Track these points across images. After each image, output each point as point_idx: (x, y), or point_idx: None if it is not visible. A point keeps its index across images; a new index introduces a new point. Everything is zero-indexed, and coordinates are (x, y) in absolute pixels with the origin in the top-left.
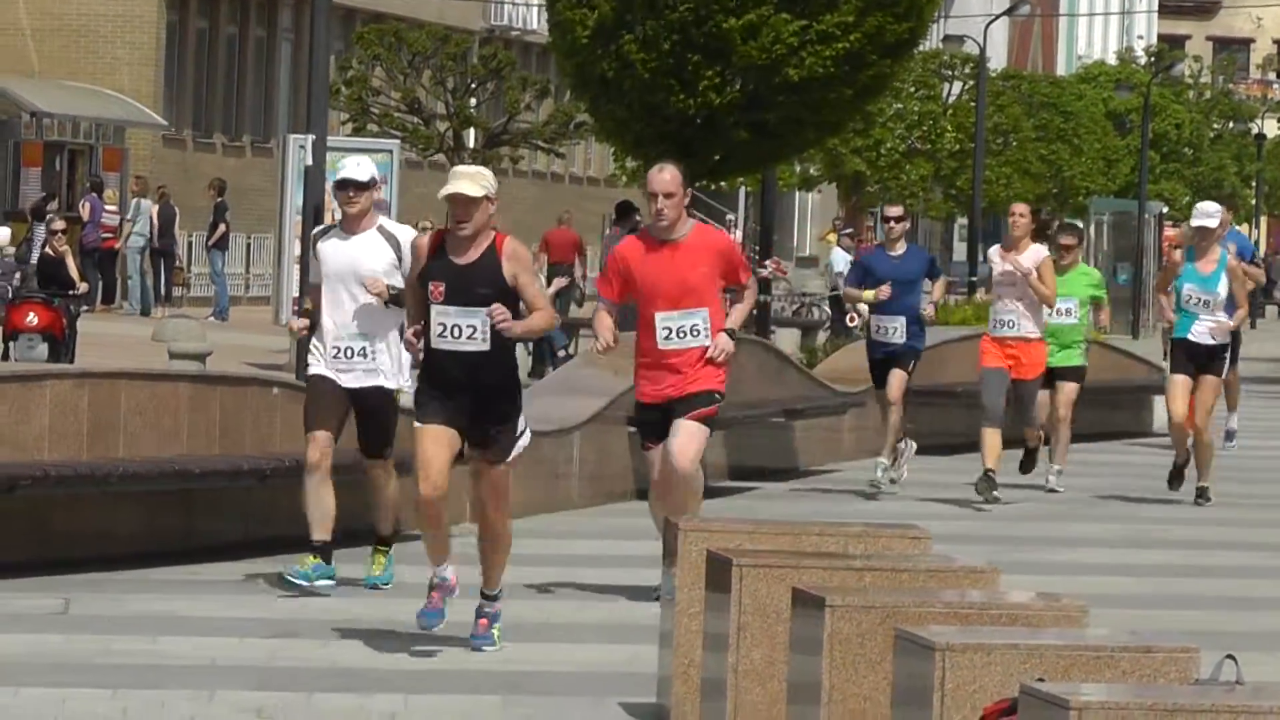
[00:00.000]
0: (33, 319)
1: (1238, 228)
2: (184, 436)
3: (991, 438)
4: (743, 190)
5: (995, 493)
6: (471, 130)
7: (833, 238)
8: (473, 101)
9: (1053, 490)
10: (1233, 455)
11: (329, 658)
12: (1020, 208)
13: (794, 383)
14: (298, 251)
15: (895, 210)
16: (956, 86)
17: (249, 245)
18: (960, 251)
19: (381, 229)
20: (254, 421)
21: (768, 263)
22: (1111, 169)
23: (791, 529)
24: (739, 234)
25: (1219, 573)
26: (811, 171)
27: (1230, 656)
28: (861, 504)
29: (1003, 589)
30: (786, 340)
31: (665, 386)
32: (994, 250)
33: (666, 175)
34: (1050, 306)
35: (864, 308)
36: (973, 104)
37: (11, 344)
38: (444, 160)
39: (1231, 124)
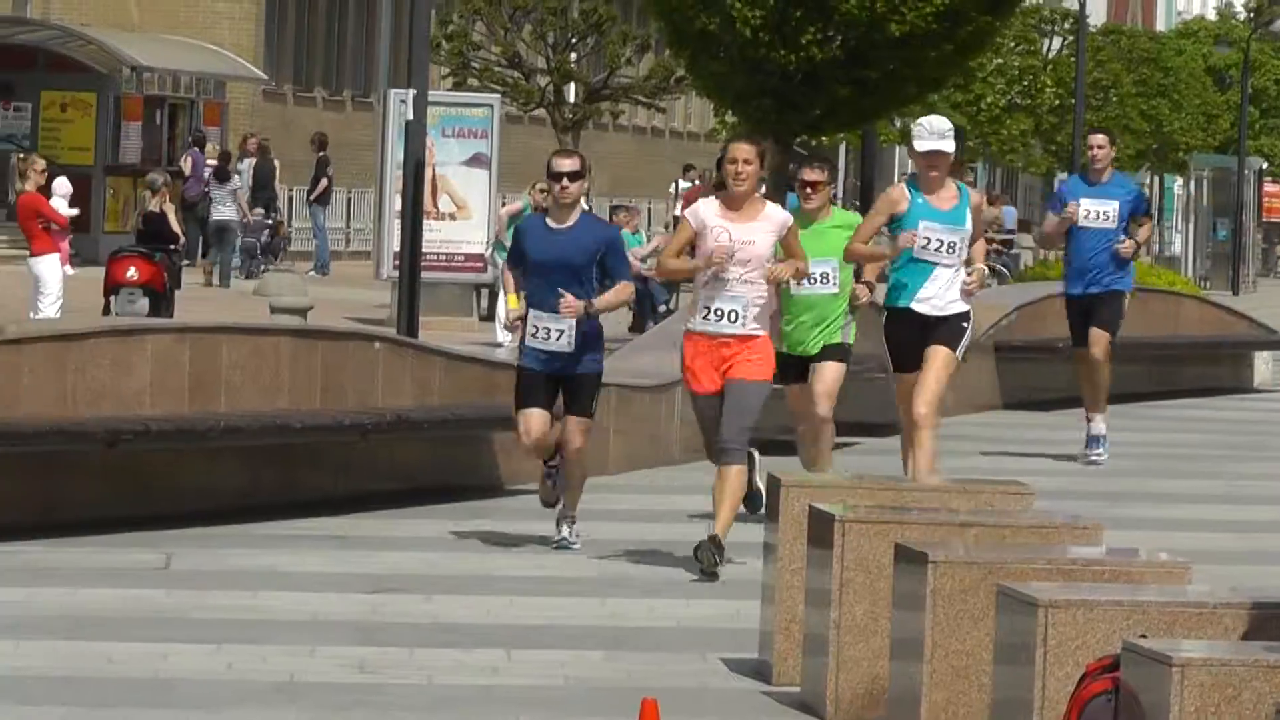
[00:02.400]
0: (133, 273)
1: None
2: (285, 391)
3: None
4: (843, 146)
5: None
6: (572, 85)
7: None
8: (573, 56)
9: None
10: None
11: (431, 613)
12: (1099, 138)
13: None
14: (398, 206)
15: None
16: (1056, 42)
17: (349, 200)
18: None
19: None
20: (355, 376)
21: None
22: (1211, 125)
23: (894, 485)
24: (840, 190)
25: None
26: (912, 126)
27: None
28: (962, 460)
29: (1105, 545)
30: None
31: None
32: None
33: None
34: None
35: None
36: (1072, 59)
37: (113, 298)
38: (544, 115)
39: None
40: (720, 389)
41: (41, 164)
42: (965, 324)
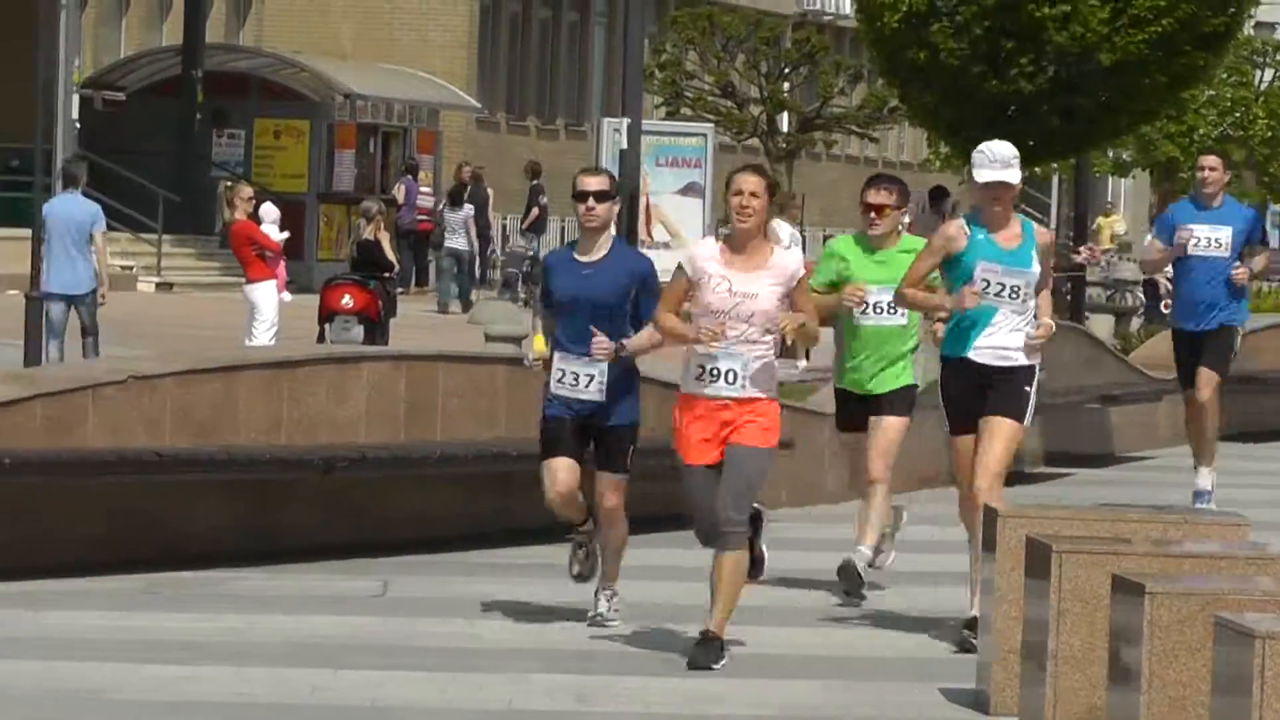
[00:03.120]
0: (348, 301)
1: None
2: (501, 419)
3: None
4: (1056, 177)
5: None
6: (785, 114)
7: (1108, 221)
8: (786, 86)
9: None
10: None
11: (649, 641)
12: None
13: (1109, 369)
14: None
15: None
16: (1269, 74)
17: (563, 228)
18: (1275, 239)
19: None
20: None
21: (1082, 249)
22: None
23: (1110, 515)
24: (1052, 221)
25: None
26: (1124, 157)
27: None
28: (1178, 491)
29: None
30: (1101, 326)
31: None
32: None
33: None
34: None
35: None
36: None
37: (327, 326)
38: (757, 145)
39: None
40: (716, 461)
41: (248, 192)
42: (1029, 386)
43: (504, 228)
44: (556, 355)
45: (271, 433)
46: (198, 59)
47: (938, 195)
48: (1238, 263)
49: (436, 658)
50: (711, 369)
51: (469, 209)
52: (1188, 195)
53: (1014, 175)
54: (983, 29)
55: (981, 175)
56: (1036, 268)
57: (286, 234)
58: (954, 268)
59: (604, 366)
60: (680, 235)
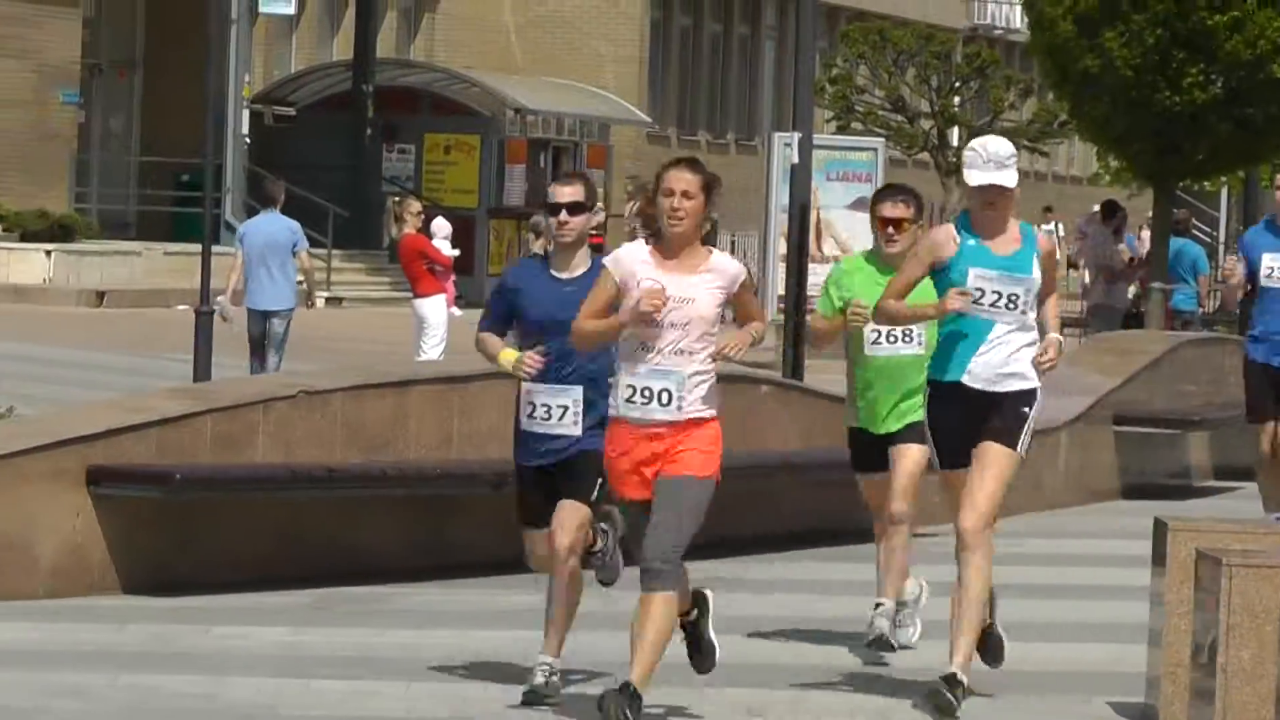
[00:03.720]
0: None
1: None
2: None
3: None
4: (1224, 190)
5: None
6: (955, 128)
7: None
8: (956, 100)
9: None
10: None
11: (822, 655)
12: None
13: None
14: (783, 249)
15: None
16: None
17: (733, 242)
18: None
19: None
20: (741, 418)
21: (1228, 259)
22: None
23: None
24: (1221, 234)
25: None
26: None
27: None
28: None
29: None
30: None
31: None
32: None
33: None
34: None
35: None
36: None
37: None
38: (927, 159)
39: None
40: (649, 497)
41: (417, 206)
42: (1028, 407)
43: None
44: (525, 387)
45: (442, 448)
46: (368, 74)
47: (1110, 210)
48: None
49: (607, 671)
50: (643, 389)
51: None
52: (1269, 220)
53: (1010, 177)
54: (1155, 37)
55: (974, 177)
56: (1038, 275)
57: (457, 251)
58: (943, 278)
59: (579, 394)
60: (851, 251)
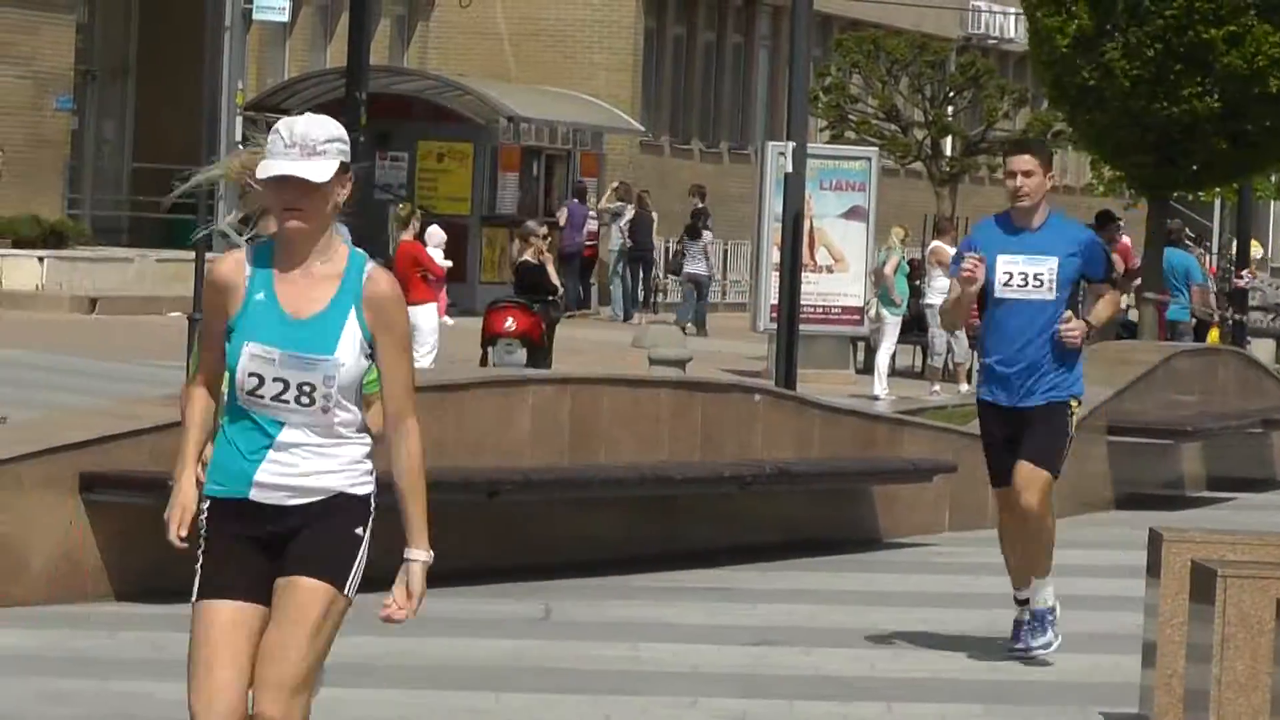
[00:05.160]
0: (511, 324)
1: None
2: (665, 443)
3: None
4: (1218, 201)
5: None
6: (949, 138)
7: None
8: (950, 109)
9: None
10: None
11: (812, 665)
12: None
13: (1272, 393)
14: (776, 258)
15: None
16: None
17: (725, 251)
18: None
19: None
20: (735, 428)
21: (1244, 273)
22: None
23: (1275, 540)
24: (1214, 245)
25: None
26: None
27: None
28: None
29: None
30: (1263, 350)
31: None
32: None
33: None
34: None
35: None
36: None
37: (490, 348)
38: (921, 168)
39: None
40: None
41: (408, 209)
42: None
43: (667, 250)
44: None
45: (435, 456)
46: (361, 81)
47: (1104, 220)
48: None
49: (600, 681)
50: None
51: (708, 236)
52: None
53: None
54: (1154, 50)
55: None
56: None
57: (450, 263)
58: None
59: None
60: (844, 260)
